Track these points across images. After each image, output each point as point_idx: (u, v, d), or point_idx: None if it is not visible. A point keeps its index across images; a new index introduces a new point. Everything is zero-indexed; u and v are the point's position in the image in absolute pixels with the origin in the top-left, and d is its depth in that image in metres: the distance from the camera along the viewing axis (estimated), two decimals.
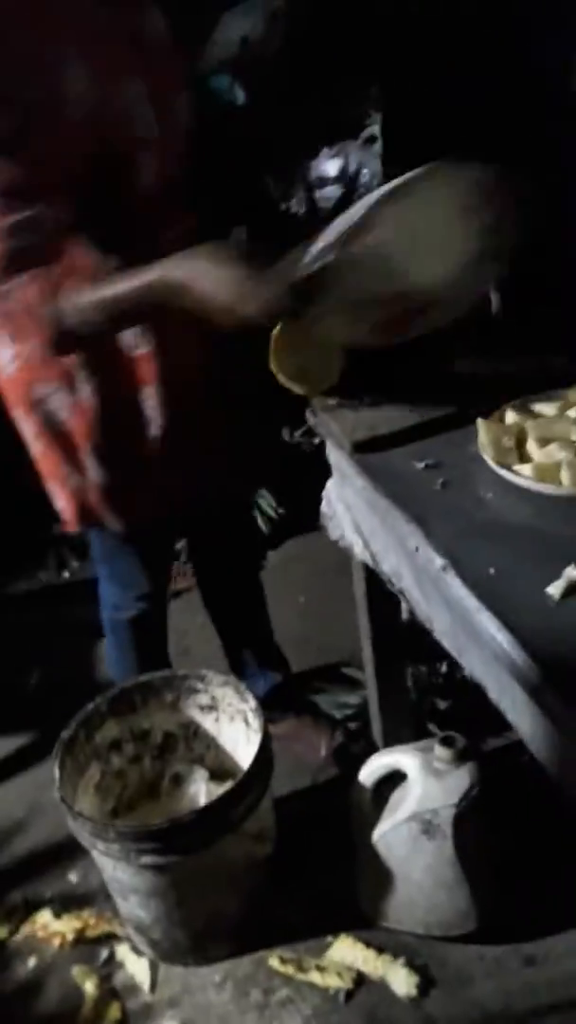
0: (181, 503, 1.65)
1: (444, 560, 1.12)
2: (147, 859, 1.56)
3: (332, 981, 1.66)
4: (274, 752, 1.71)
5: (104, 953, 1.80)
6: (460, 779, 1.60)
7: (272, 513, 2.72)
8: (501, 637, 1.02)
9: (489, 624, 1.04)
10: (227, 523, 1.94)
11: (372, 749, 1.87)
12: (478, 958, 1.68)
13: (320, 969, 1.68)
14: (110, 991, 1.73)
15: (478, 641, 1.08)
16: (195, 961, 1.74)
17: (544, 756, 1.05)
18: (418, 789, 1.62)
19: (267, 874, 1.74)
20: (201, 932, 1.70)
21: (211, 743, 1.90)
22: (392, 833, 1.64)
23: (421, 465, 1.30)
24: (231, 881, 1.68)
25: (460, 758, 1.60)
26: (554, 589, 1.06)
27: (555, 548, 1.10)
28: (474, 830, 1.60)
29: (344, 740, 2.07)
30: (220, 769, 1.91)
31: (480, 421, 1.28)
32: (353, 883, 1.76)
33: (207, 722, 1.88)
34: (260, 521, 2.68)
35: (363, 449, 1.34)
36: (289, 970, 1.69)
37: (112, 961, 1.79)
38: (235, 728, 1.85)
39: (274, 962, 1.70)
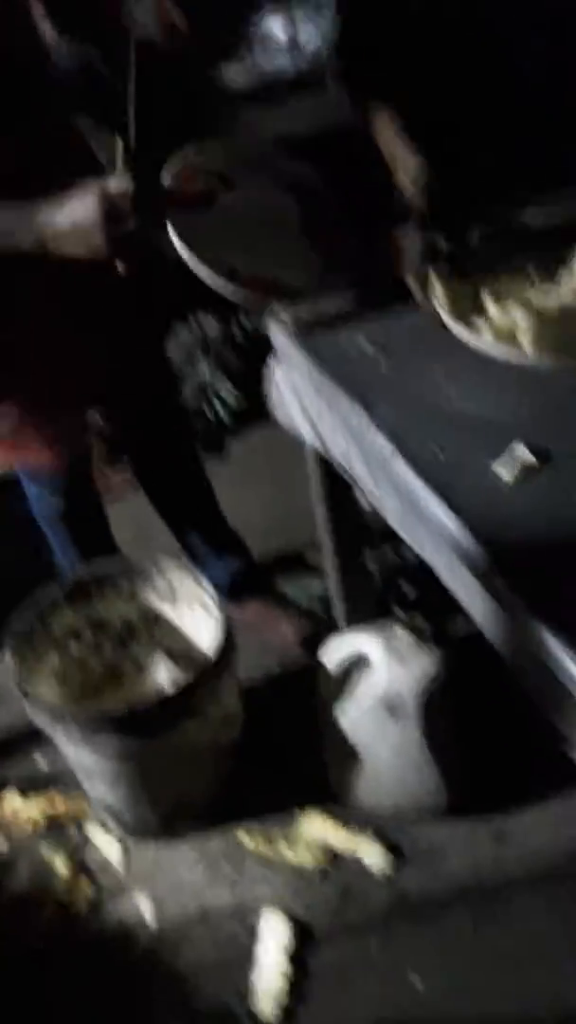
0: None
1: (390, 444, 1.01)
2: (108, 744, 1.53)
3: (304, 857, 1.66)
4: (242, 638, 1.68)
5: (74, 833, 1.79)
6: (424, 663, 1.55)
7: (232, 402, 2.60)
8: (449, 522, 0.93)
9: (437, 509, 0.95)
10: (148, 420, 1.85)
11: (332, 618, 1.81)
12: (449, 834, 1.68)
13: (292, 846, 1.67)
14: (81, 869, 1.73)
15: (428, 526, 0.99)
16: (165, 838, 1.74)
17: (495, 639, 0.98)
18: (382, 674, 1.57)
19: (235, 758, 1.72)
20: (170, 813, 1.70)
21: (173, 630, 1.85)
22: (357, 717, 1.61)
23: (369, 346, 1.18)
24: (197, 765, 1.65)
25: (424, 641, 1.55)
26: (503, 469, 0.96)
27: (507, 429, 1.00)
28: (441, 712, 1.57)
29: (312, 628, 2.02)
30: (186, 655, 1.86)
31: (434, 274, 1.15)
32: (323, 766, 1.74)
33: (167, 610, 1.82)
34: (220, 410, 2.57)
35: (308, 330, 1.21)
36: (258, 844, 1.68)
37: (82, 840, 1.79)
38: (195, 615, 1.79)
39: (244, 837, 1.70)
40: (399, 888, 1.63)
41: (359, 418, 1.07)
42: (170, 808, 1.68)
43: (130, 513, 2.22)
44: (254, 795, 1.76)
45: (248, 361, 2.52)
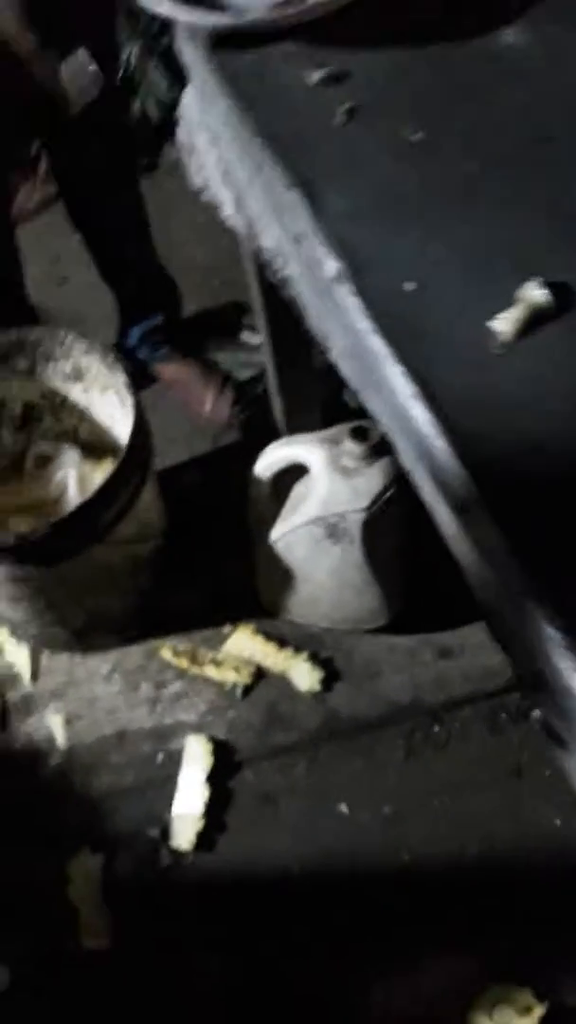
0: None
1: (338, 263, 0.69)
2: (1, 570, 1.30)
3: (229, 675, 1.51)
4: (162, 408, 1.46)
5: None
6: (372, 479, 1.30)
7: (164, 96, 2.09)
8: (411, 401, 0.64)
9: (397, 380, 0.65)
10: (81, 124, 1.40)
11: (271, 422, 1.55)
12: (387, 650, 1.53)
13: (216, 663, 1.51)
14: None
15: (383, 395, 0.70)
16: (80, 651, 1.57)
17: (463, 563, 0.73)
18: (322, 489, 1.32)
19: (155, 569, 1.51)
20: (82, 628, 1.52)
21: (82, 415, 1.57)
22: (292, 535, 1.38)
23: (317, 76, 0.80)
24: (111, 583, 1.45)
25: (373, 454, 1.29)
26: (502, 324, 0.65)
27: (514, 247, 0.68)
28: (385, 532, 1.35)
29: (235, 396, 1.74)
30: (98, 443, 1.59)
31: None
32: (253, 575, 1.54)
33: (74, 392, 1.53)
34: (151, 106, 2.06)
35: (227, 44, 0.82)
36: (183, 663, 1.53)
37: None
38: (108, 401, 1.50)
39: (166, 653, 1.54)
40: (329, 708, 1.50)
41: (297, 212, 0.73)
42: (82, 624, 1.50)
43: (44, 238, 1.82)
44: (177, 606, 1.58)
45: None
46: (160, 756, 1.48)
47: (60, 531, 1.27)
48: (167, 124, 2.11)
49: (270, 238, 0.86)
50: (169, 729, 1.50)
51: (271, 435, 1.47)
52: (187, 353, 1.77)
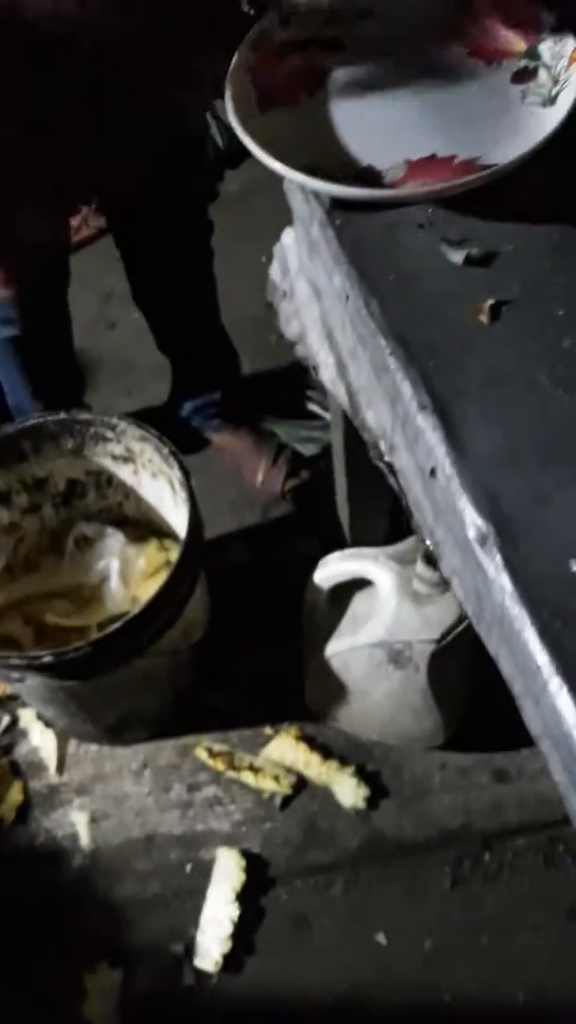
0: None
1: (484, 523, 0.58)
2: (32, 680, 1.21)
3: (268, 784, 1.42)
4: (214, 476, 1.40)
5: (5, 719, 1.53)
6: (444, 609, 1.20)
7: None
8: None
9: (562, 701, 0.54)
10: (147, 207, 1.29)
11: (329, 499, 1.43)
12: (439, 767, 1.43)
13: (255, 770, 1.42)
14: (12, 766, 1.48)
15: (536, 701, 0.59)
16: (110, 743, 1.48)
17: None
18: (389, 613, 1.22)
19: (195, 666, 1.41)
20: (114, 725, 1.42)
21: (129, 492, 1.46)
22: (351, 653, 1.29)
23: (457, 255, 0.68)
24: (148, 686, 1.36)
25: (446, 582, 1.18)
26: None
27: None
28: (451, 659, 1.24)
29: (289, 468, 1.63)
30: (144, 520, 1.49)
31: None
32: (300, 674, 1.44)
33: (123, 472, 1.42)
34: (217, 130, 1.92)
35: (351, 204, 0.70)
36: (219, 765, 1.43)
37: (15, 728, 1.52)
38: (158, 485, 1.40)
39: (202, 753, 1.45)
40: (373, 827, 1.41)
41: (429, 438, 0.62)
42: (114, 721, 1.41)
43: (93, 275, 1.70)
44: (216, 701, 1.48)
45: None
46: (189, 866, 1.40)
47: (100, 648, 1.17)
48: (233, 151, 1.98)
49: (378, 418, 0.75)
50: (200, 837, 1.41)
51: (326, 514, 1.36)
52: (241, 422, 1.66)
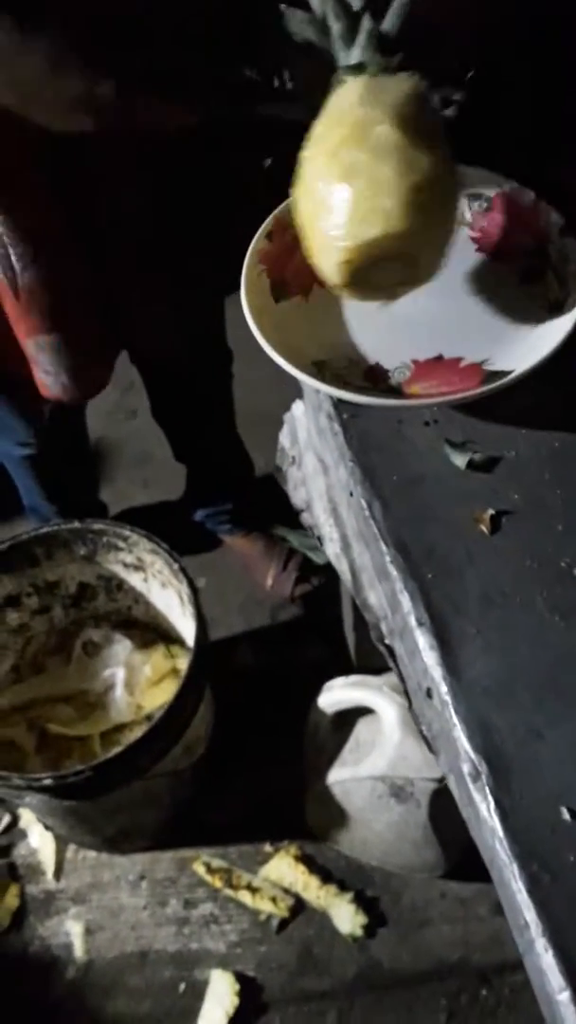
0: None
1: (476, 761, 0.57)
2: (31, 799, 1.20)
3: (265, 906, 1.40)
4: (226, 566, 1.41)
5: (6, 818, 1.52)
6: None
7: None
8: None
9: (552, 976, 0.53)
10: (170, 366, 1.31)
11: (339, 601, 1.42)
12: (439, 897, 1.41)
13: (252, 889, 1.40)
14: (9, 868, 1.47)
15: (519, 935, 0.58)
16: (108, 851, 1.47)
17: None
18: (392, 748, 1.21)
19: (196, 781, 1.40)
20: (113, 837, 1.41)
21: (139, 597, 1.46)
22: (352, 783, 1.27)
23: (460, 459, 0.69)
24: (147, 802, 1.34)
25: None
26: None
27: None
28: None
29: (299, 575, 1.63)
30: (152, 623, 1.50)
31: None
32: (303, 785, 1.43)
33: (133, 579, 1.43)
34: None
35: (353, 410, 0.71)
36: (217, 882, 1.41)
37: (14, 828, 1.52)
38: (168, 594, 1.40)
39: (200, 868, 1.43)
40: (370, 956, 1.38)
41: (426, 655, 0.62)
42: (113, 833, 1.39)
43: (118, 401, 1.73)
44: (216, 816, 1.47)
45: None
46: (182, 985, 1.38)
47: (101, 771, 1.16)
48: None
49: (379, 601, 0.75)
50: (195, 956, 1.39)
51: (335, 620, 1.35)
52: (254, 527, 1.67)
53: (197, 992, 1.37)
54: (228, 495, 1.60)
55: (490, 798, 0.55)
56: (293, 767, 1.44)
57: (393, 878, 1.41)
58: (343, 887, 1.41)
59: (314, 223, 0.64)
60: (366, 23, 0.63)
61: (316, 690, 1.33)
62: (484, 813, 0.56)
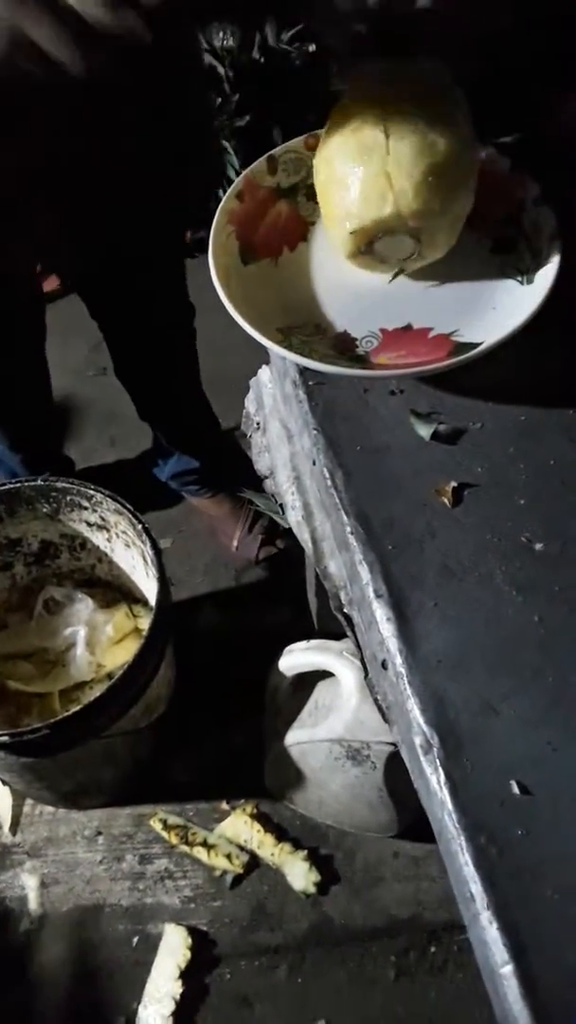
0: None
1: (428, 732, 0.58)
2: None
3: (220, 862, 1.41)
4: (192, 527, 1.41)
5: None
6: None
7: (239, 167, 1.94)
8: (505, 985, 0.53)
9: (491, 937, 0.54)
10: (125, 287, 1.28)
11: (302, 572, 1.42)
12: (392, 856, 1.43)
13: (208, 846, 1.41)
14: None
15: (456, 887, 0.59)
16: (65, 807, 1.48)
17: None
18: (350, 711, 1.22)
19: (155, 739, 1.41)
20: (70, 793, 1.41)
21: (103, 557, 1.46)
22: (309, 745, 1.28)
23: (426, 429, 0.69)
24: (106, 759, 1.35)
25: None
26: None
27: None
28: None
29: (265, 537, 1.63)
30: (116, 584, 1.49)
31: None
32: (262, 745, 1.44)
33: (97, 538, 1.42)
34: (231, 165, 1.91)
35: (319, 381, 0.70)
36: (173, 838, 1.43)
37: None
38: (132, 555, 1.39)
39: (156, 824, 1.44)
40: (322, 912, 1.41)
41: (383, 628, 0.62)
42: (71, 789, 1.40)
43: (85, 319, 1.69)
44: (174, 773, 1.48)
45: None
46: (136, 939, 1.39)
47: (58, 730, 1.16)
48: None
49: (339, 570, 0.75)
50: (149, 910, 1.41)
51: (299, 583, 1.35)
52: (220, 489, 1.66)
53: (150, 945, 1.39)
54: (194, 456, 1.59)
55: (441, 771, 0.56)
56: (253, 727, 1.45)
57: (347, 837, 1.43)
58: (298, 845, 1.43)
59: (329, 195, 0.67)
60: None
61: (278, 652, 1.34)
62: (434, 785, 0.56)
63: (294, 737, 1.30)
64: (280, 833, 1.44)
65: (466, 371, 0.67)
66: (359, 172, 0.64)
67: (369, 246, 0.67)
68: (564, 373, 0.67)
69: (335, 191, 0.65)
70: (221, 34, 2.11)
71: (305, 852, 1.42)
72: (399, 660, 0.60)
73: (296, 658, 1.29)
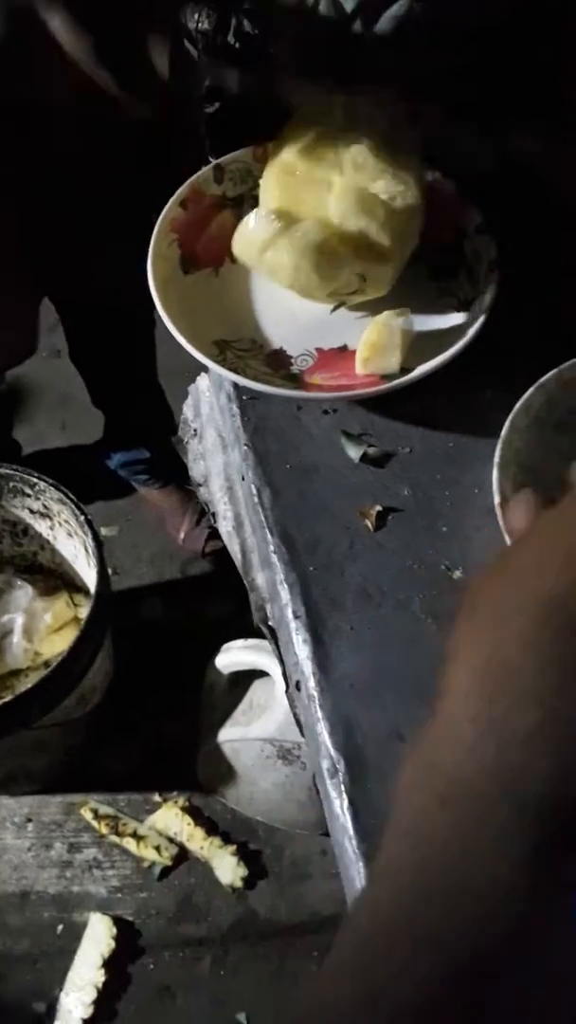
0: None
1: (336, 758, 0.58)
2: None
3: (149, 854, 1.42)
4: (140, 516, 1.42)
5: None
6: None
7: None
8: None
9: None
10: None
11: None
12: (320, 853, 1.45)
13: (138, 837, 1.42)
14: None
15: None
16: None
17: None
18: (283, 713, 1.23)
19: (89, 729, 1.41)
20: (0, 779, 1.41)
21: (45, 544, 1.45)
22: (241, 743, 1.29)
23: (355, 452, 0.69)
24: (37, 748, 1.34)
25: None
26: None
27: None
28: None
29: (212, 530, 1.63)
30: (58, 570, 1.48)
31: None
32: (195, 743, 1.44)
33: (40, 526, 1.41)
34: None
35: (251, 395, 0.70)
36: (103, 828, 1.43)
37: None
38: (74, 544, 1.39)
39: (87, 814, 1.44)
40: (248, 906, 1.42)
41: (300, 648, 0.62)
42: (2, 776, 1.39)
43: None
44: (107, 763, 1.48)
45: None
46: (60, 927, 1.40)
47: None
48: None
49: (263, 582, 0.75)
50: (76, 899, 1.41)
51: (240, 579, 1.35)
52: (169, 480, 1.65)
53: (75, 934, 1.39)
54: (145, 446, 1.58)
55: (344, 796, 0.57)
56: (189, 721, 1.45)
57: (277, 833, 1.45)
58: (227, 839, 1.44)
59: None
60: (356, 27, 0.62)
61: (218, 647, 1.34)
62: (337, 809, 0.57)
63: (227, 734, 1.30)
64: (210, 827, 1.45)
65: (399, 396, 0.68)
66: (309, 204, 0.64)
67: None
68: (492, 403, 0.68)
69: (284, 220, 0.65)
70: (196, 16, 2.09)
71: (234, 847, 1.43)
72: (312, 683, 0.61)
73: (233, 656, 1.30)
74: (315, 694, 0.60)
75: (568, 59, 0.72)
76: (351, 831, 0.56)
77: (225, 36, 2.22)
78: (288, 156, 0.66)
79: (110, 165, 0.95)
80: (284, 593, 0.64)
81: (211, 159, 0.78)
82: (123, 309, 1.34)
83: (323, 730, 0.59)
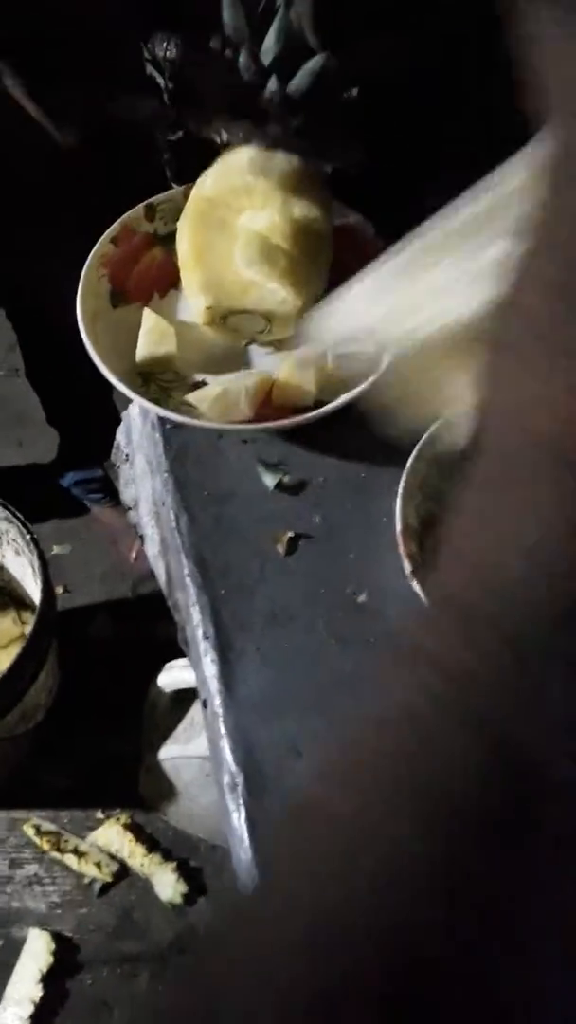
0: None
1: (236, 773, 0.61)
2: None
3: (90, 870, 1.43)
4: (92, 535, 1.44)
5: None
6: None
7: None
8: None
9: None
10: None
11: None
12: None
13: (79, 854, 1.43)
14: None
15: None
16: None
17: None
18: None
19: (32, 745, 1.42)
20: None
21: None
22: (183, 761, 1.31)
23: (271, 479, 0.72)
24: None
25: None
26: None
27: None
28: None
29: None
30: (7, 587, 1.50)
31: None
32: (139, 760, 1.46)
33: None
34: None
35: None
36: (44, 844, 1.44)
37: None
38: (21, 562, 1.41)
39: (29, 830, 1.45)
40: (187, 923, 1.44)
41: (207, 667, 0.65)
42: None
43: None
44: (50, 779, 1.49)
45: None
46: (0, 942, 1.40)
47: None
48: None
49: (184, 605, 0.78)
50: (15, 914, 1.42)
51: None
52: (112, 495, 1.68)
53: (13, 949, 1.40)
54: (99, 465, 1.60)
55: (242, 809, 0.60)
56: (132, 738, 1.47)
57: (218, 850, 1.47)
58: (168, 856, 1.45)
59: (191, 268, 0.71)
60: (271, 83, 0.65)
61: (162, 666, 1.36)
62: (235, 823, 0.60)
63: (168, 751, 1.33)
64: (152, 844, 1.46)
65: (315, 426, 0.71)
66: (221, 253, 0.67)
67: (223, 319, 0.70)
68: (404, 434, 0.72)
69: (196, 266, 0.69)
70: (164, 44, 2.14)
71: (175, 863, 1.45)
72: (217, 700, 0.64)
73: (175, 675, 1.32)
74: (219, 711, 0.63)
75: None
76: (247, 843, 0.59)
77: (192, 66, 2.26)
78: (204, 197, 0.70)
79: (50, 189, 0.98)
80: (196, 614, 0.67)
81: (173, 185, 0.81)
82: (76, 329, 1.36)
83: (225, 746, 0.62)
